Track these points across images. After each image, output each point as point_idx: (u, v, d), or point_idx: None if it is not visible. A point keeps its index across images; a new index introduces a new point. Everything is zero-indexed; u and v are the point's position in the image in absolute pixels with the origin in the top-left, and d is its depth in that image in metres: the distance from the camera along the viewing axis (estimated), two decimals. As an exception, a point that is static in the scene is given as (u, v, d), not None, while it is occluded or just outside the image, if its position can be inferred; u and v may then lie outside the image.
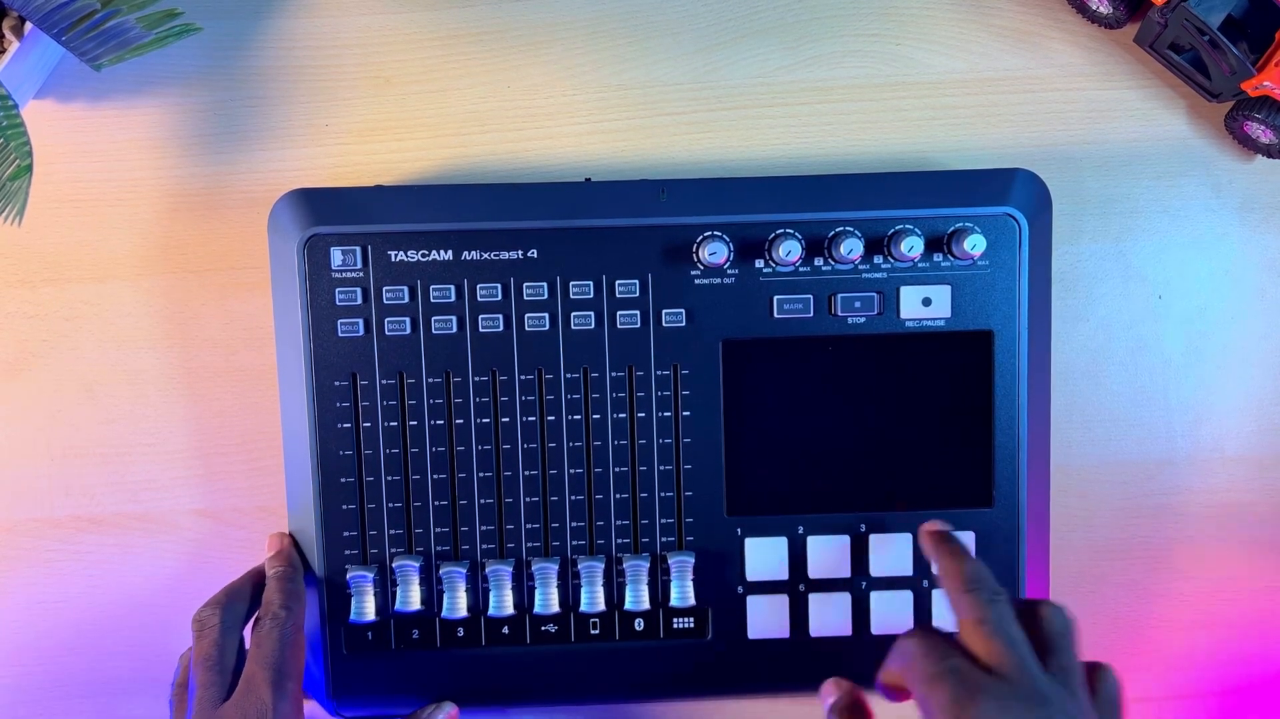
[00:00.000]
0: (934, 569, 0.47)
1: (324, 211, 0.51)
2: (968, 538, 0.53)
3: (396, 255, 0.51)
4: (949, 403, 0.53)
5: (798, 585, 0.53)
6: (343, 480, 0.52)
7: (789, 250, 0.50)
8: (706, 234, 0.51)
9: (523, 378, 0.52)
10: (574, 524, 0.52)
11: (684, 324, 0.52)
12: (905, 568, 0.53)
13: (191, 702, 0.47)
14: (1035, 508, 0.53)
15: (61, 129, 0.55)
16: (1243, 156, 0.57)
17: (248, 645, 0.49)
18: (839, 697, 0.47)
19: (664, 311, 0.52)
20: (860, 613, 0.53)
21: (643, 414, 0.52)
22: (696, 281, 0.52)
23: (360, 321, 0.51)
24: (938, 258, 0.52)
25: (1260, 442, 0.57)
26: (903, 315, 0.52)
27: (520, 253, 0.51)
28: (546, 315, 0.51)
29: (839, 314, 0.52)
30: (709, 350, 0.52)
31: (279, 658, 0.47)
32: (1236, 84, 0.52)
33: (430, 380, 0.51)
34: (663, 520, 0.52)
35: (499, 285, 0.51)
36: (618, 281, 0.51)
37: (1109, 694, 0.43)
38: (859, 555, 0.53)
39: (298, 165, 0.55)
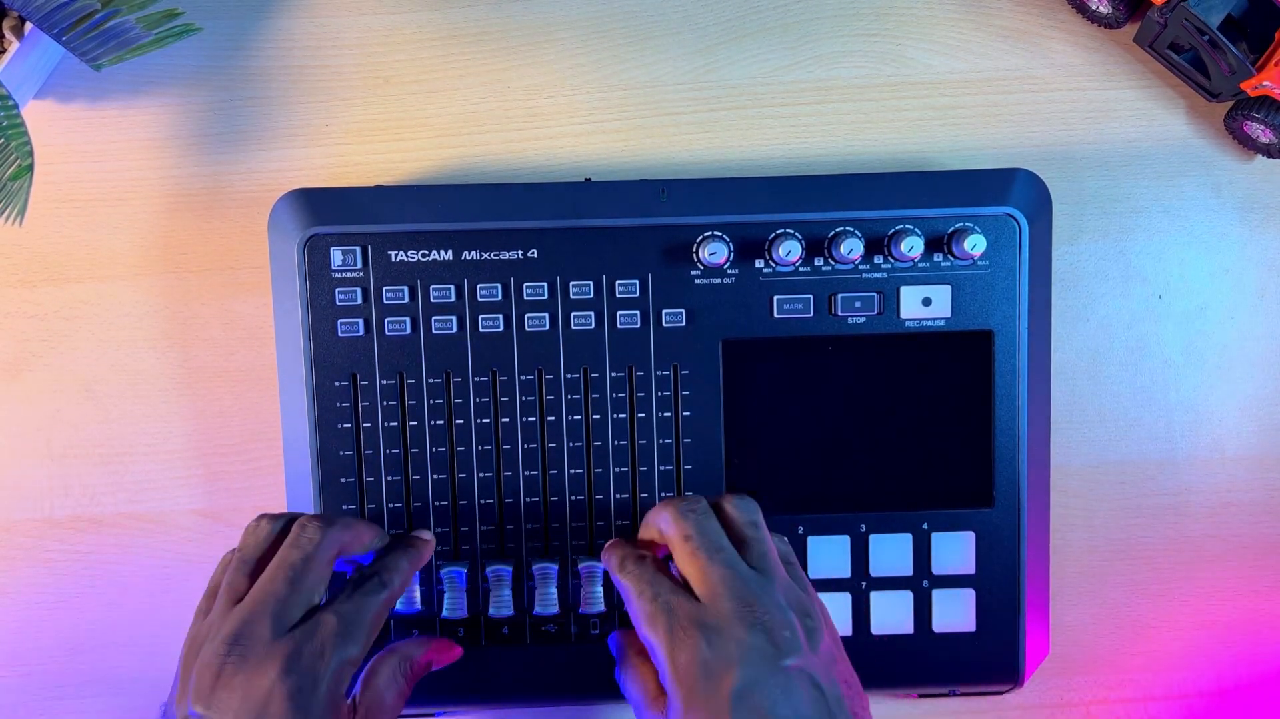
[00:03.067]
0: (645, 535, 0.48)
1: (324, 211, 0.51)
2: (967, 538, 0.53)
3: (396, 255, 0.51)
4: (949, 403, 0.53)
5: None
6: (343, 480, 0.52)
7: (789, 250, 0.50)
8: (706, 234, 0.51)
9: (523, 378, 0.52)
10: (574, 524, 0.52)
11: (684, 324, 0.52)
12: (905, 568, 0.53)
13: (245, 601, 0.43)
14: (1035, 508, 0.53)
15: (61, 129, 0.55)
16: (1243, 156, 0.57)
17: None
18: (621, 646, 0.48)
19: (664, 311, 0.52)
20: (860, 613, 0.53)
21: (643, 414, 0.52)
22: (696, 281, 0.52)
23: (360, 321, 0.51)
24: (938, 258, 0.52)
25: (1260, 442, 0.57)
26: (903, 315, 0.52)
27: (520, 253, 0.51)
28: (546, 315, 0.51)
29: (839, 314, 0.52)
30: (709, 350, 0.52)
31: (361, 620, 0.43)
32: (1236, 84, 0.52)
33: (430, 380, 0.51)
34: (663, 520, 0.52)
35: (499, 285, 0.51)
36: (618, 281, 0.51)
37: (786, 555, 0.46)
38: (859, 555, 0.53)
39: (298, 165, 0.55)
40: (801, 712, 0.40)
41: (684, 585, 0.43)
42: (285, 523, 0.46)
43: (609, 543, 0.48)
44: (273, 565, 0.44)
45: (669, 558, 0.45)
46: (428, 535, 0.50)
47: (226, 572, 0.45)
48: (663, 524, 0.45)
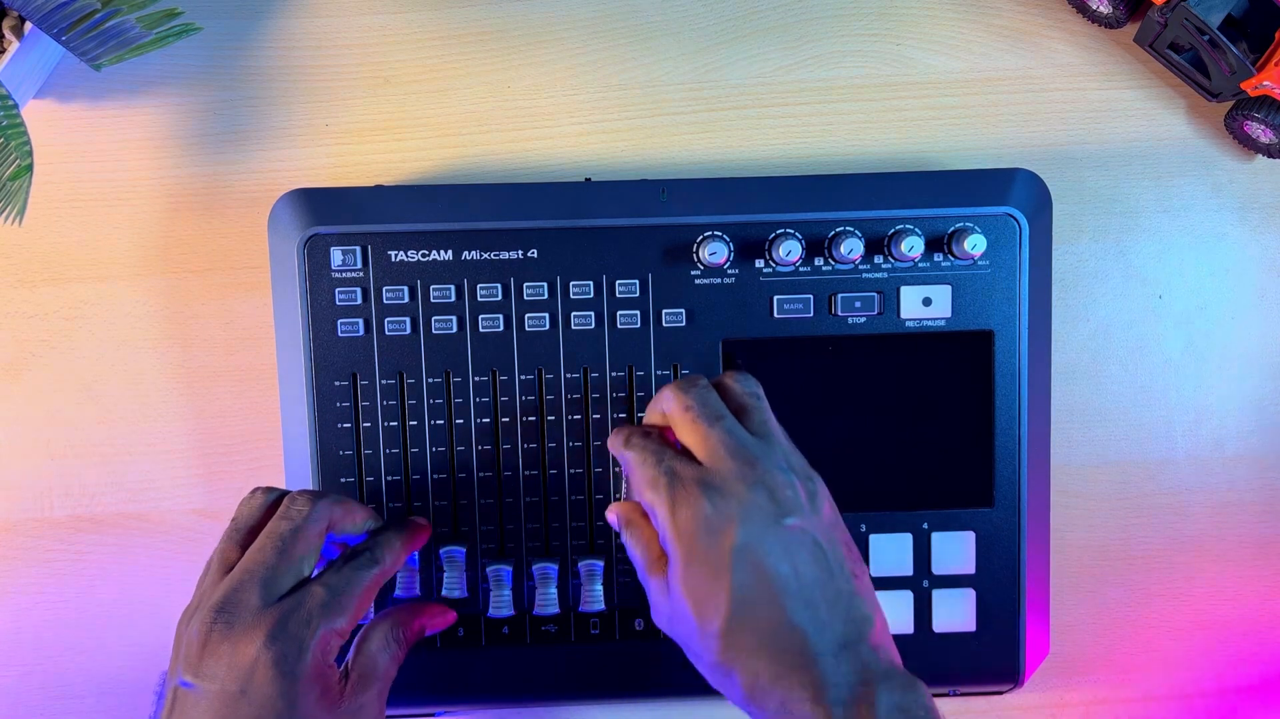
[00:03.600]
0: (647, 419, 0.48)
1: (324, 211, 0.51)
2: (967, 538, 0.53)
3: (396, 255, 0.51)
4: (949, 403, 0.53)
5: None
6: (343, 480, 0.52)
7: (789, 250, 0.50)
8: (706, 234, 0.51)
9: (523, 378, 0.52)
10: (574, 524, 0.52)
11: (684, 324, 0.52)
12: (905, 568, 0.53)
13: (235, 571, 0.43)
14: (1035, 508, 0.53)
15: (61, 129, 0.55)
16: (1243, 156, 0.57)
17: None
18: (621, 514, 0.48)
19: (664, 311, 0.52)
20: (860, 613, 0.53)
21: (643, 414, 0.52)
22: (696, 281, 0.52)
23: (360, 321, 0.51)
24: (938, 258, 0.52)
25: (1260, 442, 0.57)
26: (903, 315, 0.52)
27: (520, 253, 0.51)
28: (546, 315, 0.51)
29: (839, 314, 0.52)
30: (709, 350, 0.52)
31: (350, 593, 0.43)
32: (1236, 84, 0.52)
33: (430, 380, 0.51)
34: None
35: (499, 285, 0.51)
36: (618, 281, 0.51)
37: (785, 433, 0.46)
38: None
39: (298, 165, 0.55)
40: (801, 569, 0.40)
41: (687, 454, 0.44)
42: (278, 496, 0.46)
43: (615, 428, 0.48)
44: (262, 536, 0.44)
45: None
46: (424, 521, 0.50)
47: (219, 542, 0.45)
48: (664, 402, 0.45)
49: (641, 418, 0.50)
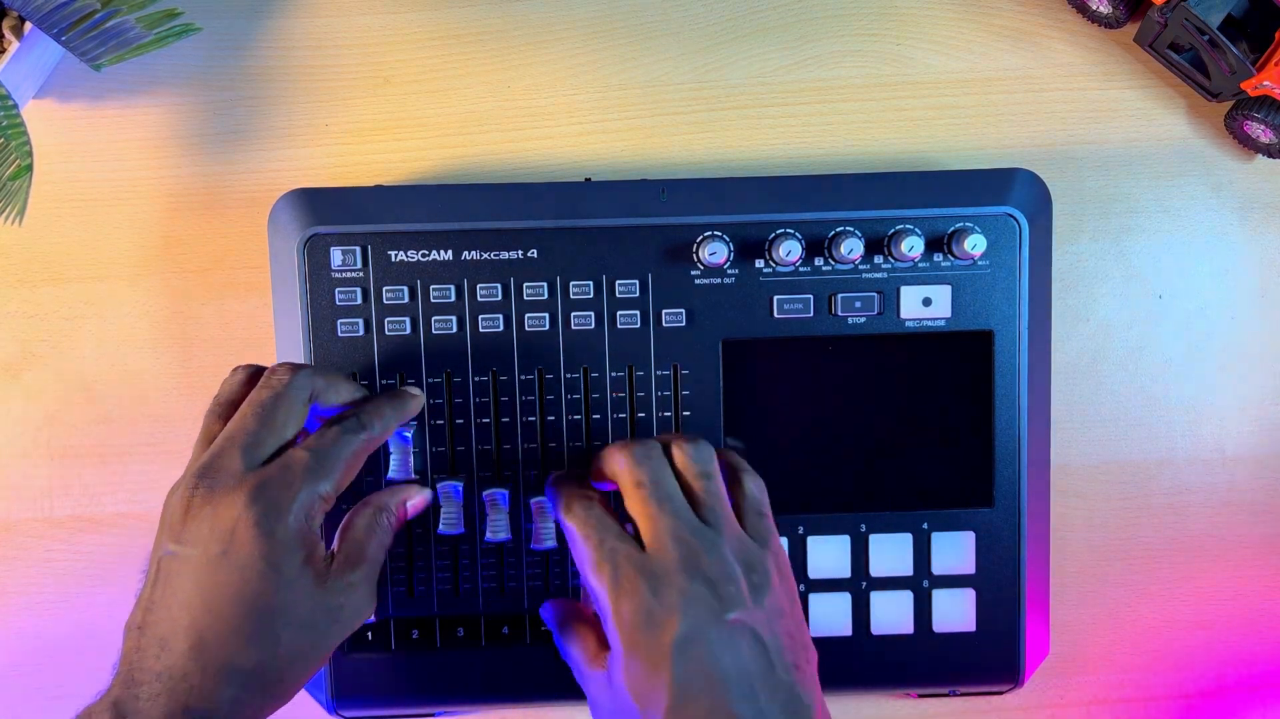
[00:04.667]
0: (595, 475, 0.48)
1: (324, 211, 0.51)
2: (967, 538, 0.53)
3: (396, 255, 0.51)
4: (949, 403, 0.53)
5: (798, 585, 0.53)
6: (343, 480, 0.52)
7: (789, 250, 0.50)
8: (706, 234, 0.51)
9: (523, 378, 0.52)
10: (574, 524, 0.52)
11: (684, 324, 0.52)
12: (905, 568, 0.53)
13: (218, 439, 0.43)
14: (1035, 508, 0.53)
15: (61, 129, 0.55)
16: (1243, 156, 0.57)
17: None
18: (557, 611, 0.48)
19: (664, 311, 0.52)
20: (860, 613, 0.53)
21: (643, 414, 0.52)
22: (696, 281, 0.52)
23: (360, 322, 0.51)
24: (938, 258, 0.52)
25: (1260, 442, 0.57)
26: (903, 315, 0.52)
27: (520, 253, 0.51)
28: (546, 315, 0.51)
29: (839, 314, 0.52)
30: (709, 350, 0.52)
31: (334, 457, 0.43)
32: (1236, 84, 0.52)
33: (430, 380, 0.51)
34: (663, 520, 0.52)
35: (499, 285, 0.51)
36: (618, 281, 0.51)
37: (754, 505, 0.46)
38: (859, 555, 0.53)
39: (298, 165, 0.55)
40: (743, 664, 0.40)
41: (631, 533, 0.43)
42: (259, 369, 0.46)
43: (554, 475, 0.48)
44: (244, 404, 0.44)
45: (614, 495, 0.45)
46: (417, 391, 0.49)
47: (206, 417, 0.45)
48: (617, 467, 0.45)
49: (596, 452, 0.48)
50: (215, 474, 0.42)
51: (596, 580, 0.42)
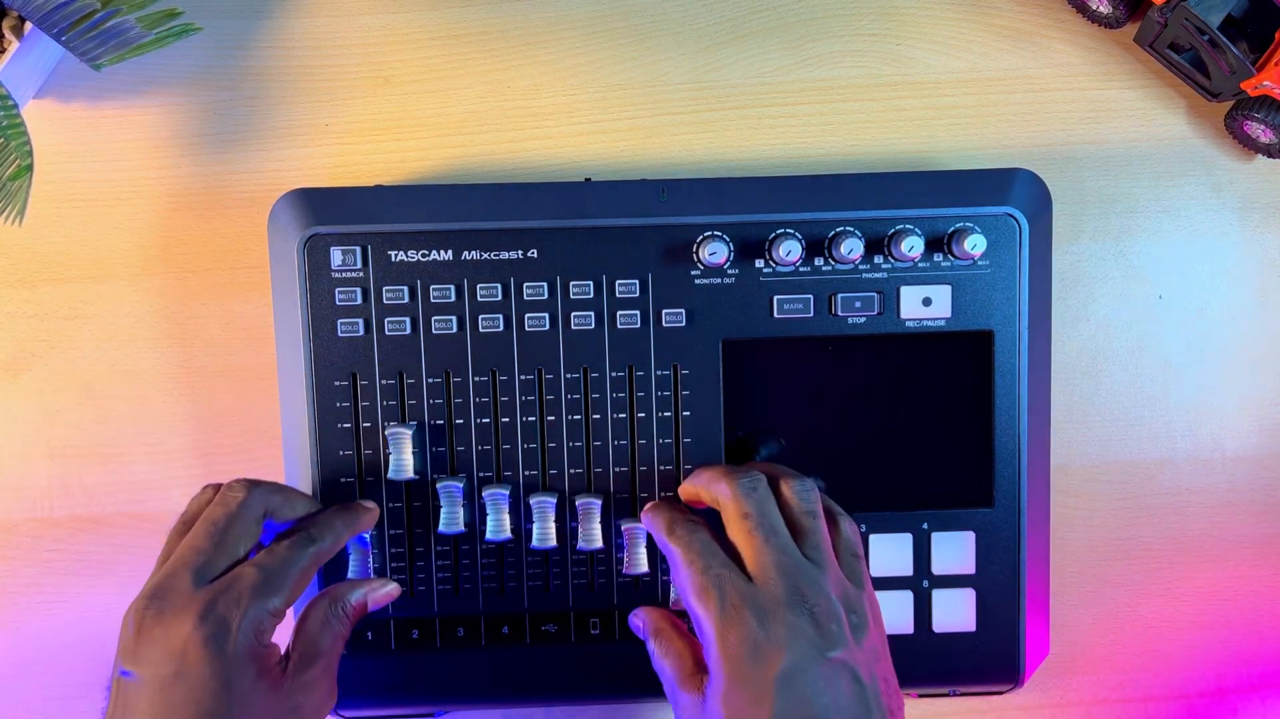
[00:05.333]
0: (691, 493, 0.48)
1: (324, 211, 0.51)
2: (967, 538, 0.53)
3: (396, 255, 0.51)
4: (949, 403, 0.53)
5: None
6: (343, 480, 0.52)
7: (789, 250, 0.50)
8: (706, 234, 0.51)
9: (523, 378, 0.52)
10: (574, 525, 0.52)
11: (684, 324, 0.52)
12: (905, 568, 0.53)
13: (171, 559, 0.43)
14: (1035, 508, 0.53)
15: (61, 129, 0.55)
16: (1243, 156, 0.57)
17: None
18: (649, 620, 0.49)
19: (664, 311, 0.52)
20: (860, 613, 0.53)
21: (643, 414, 0.52)
22: (696, 281, 0.52)
23: (360, 321, 0.51)
24: (938, 258, 0.52)
25: (1260, 441, 0.57)
26: (903, 315, 0.52)
27: (520, 253, 0.51)
28: (546, 315, 0.51)
29: (839, 314, 0.52)
30: (709, 350, 0.52)
31: (283, 573, 0.43)
32: (1236, 84, 0.52)
33: (430, 380, 0.51)
34: (663, 520, 0.52)
35: (499, 285, 0.51)
36: (618, 282, 0.51)
37: (849, 547, 0.46)
38: (859, 555, 0.53)
39: (298, 165, 0.55)
40: (841, 703, 0.41)
41: (734, 558, 0.44)
42: (247, 487, 0.46)
43: (652, 504, 0.48)
44: (197, 523, 0.44)
45: (709, 518, 0.46)
46: (370, 505, 0.50)
47: (168, 537, 0.46)
48: (720, 494, 0.45)
49: (671, 485, 0.50)
50: (165, 595, 0.42)
51: (701, 605, 0.42)
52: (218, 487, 0.47)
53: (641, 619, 0.49)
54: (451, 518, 0.51)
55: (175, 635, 0.41)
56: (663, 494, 0.52)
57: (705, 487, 0.47)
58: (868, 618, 0.44)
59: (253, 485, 0.46)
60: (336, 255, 0.51)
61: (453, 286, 0.51)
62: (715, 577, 0.43)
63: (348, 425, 0.51)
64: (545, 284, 0.51)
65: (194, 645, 0.41)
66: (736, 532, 0.44)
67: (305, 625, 0.46)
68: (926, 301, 0.52)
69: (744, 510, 0.44)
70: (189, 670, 0.41)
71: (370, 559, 0.52)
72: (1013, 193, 0.52)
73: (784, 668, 0.40)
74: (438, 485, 0.51)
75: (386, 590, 0.49)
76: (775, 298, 0.52)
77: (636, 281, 0.51)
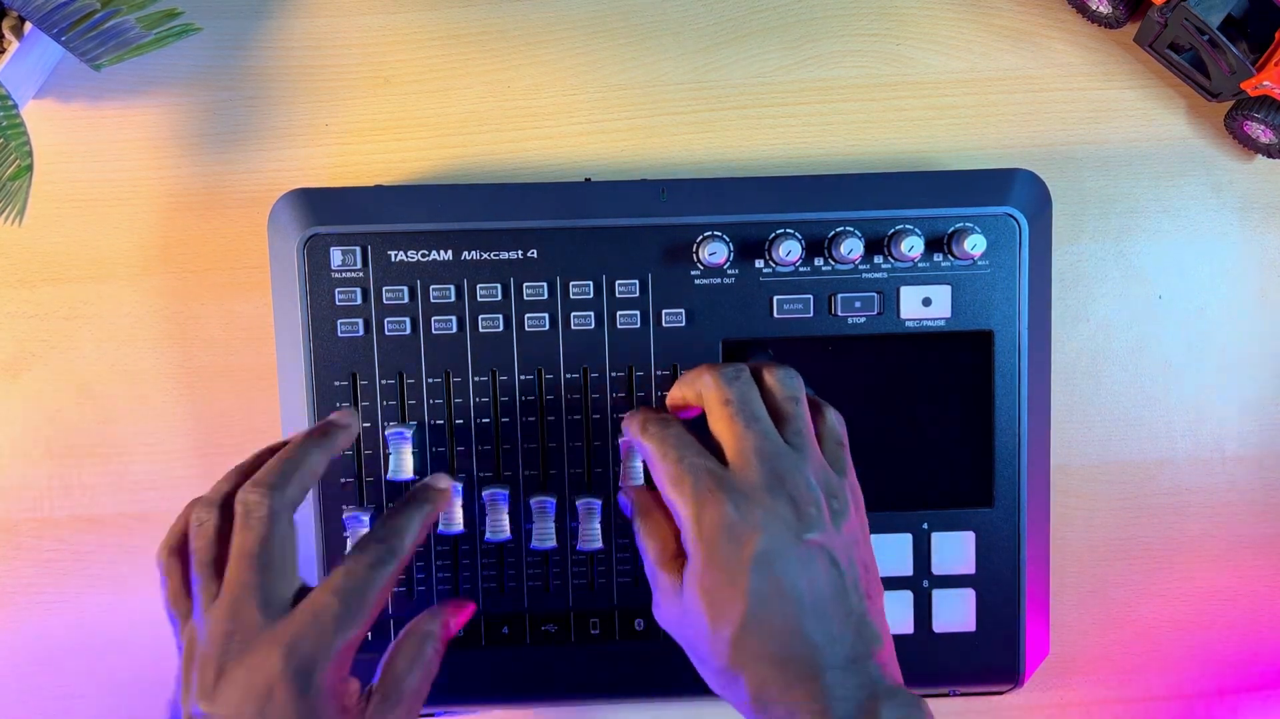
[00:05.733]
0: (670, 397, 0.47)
1: (324, 211, 0.51)
2: (968, 538, 0.53)
3: (396, 255, 0.51)
4: (949, 403, 0.53)
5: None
6: (343, 480, 0.52)
7: (789, 250, 0.50)
8: (706, 234, 0.51)
9: (523, 378, 0.52)
10: (574, 525, 0.52)
11: (684, 324, 0.52)
12: (905, 568, 0.53)
13: (223, 598, 0.41)
14: (1035, 508, 0.53)
15: (61, 129, 0.55)
16: (1243, 156, 0.57)
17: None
18: (634, 499, 0.47)
19: (664, 311, 0.52)
20: (860, 613, 0.53)
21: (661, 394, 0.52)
22: (696, 281, 0.52)
23: (360, 321, 0.51)
24: (938, 258, 0.52)
25: (1260, 441, 0.57)
26: (903, 315, 0.52)
27: (520, 253, 0.51)
28: (546, 315, 0.51)
29: (839, 314, 0.52)
30: (709, 350, 0.52)
31: (365, 599, 0.41)
32: (1236, 84, 0.52)
33: (430, 380, 0.51)
34: (663, 520, 0.52)
35: (499, 285, 0.51)
36: (618, 282, 0.51)
37: (833, 434, 0.46)
38: (859, 555, 0.53)
39: (298, 165, 0.55)
40: (817, 585, 0.41)
41: (710, 449, 0.43)
42: (223, 503, 0.43)
43: (630, 412, 0.47)
44: (234, 558, 0.42)
45: (692, 422, 0.45)
46: (444, 483, 0.47)
47: (195, 579, 0.42)
48: (702, 386, 0.45)
49: (659, 397, 0.50)
50: (241, 634, 0.40)
51: (676, 493, 0.42)
52: (207, 504, 0.44)
53: (630, 497, 0.48)
54: (451, 518, 0.51)
55: (259, 675, 0.39)
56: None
57: (690, 384, 0.46)
58: (849, 504, 0.44)
59: (269, 490, 0.42)
60: (336, 255, 0.51)
61: (453, 287, 0.51)
62: (690, 464, 0.42)
63: (348, 425, 0.51)
64: (545, 284, 0.51)
65: (280, 686, 0.39)
66: (717, 419, 0.44)
67: (392, 666, 0.43)
68: (926, 302, 0.52)
69: (725, 397, 0.44)
70: (273, 711, 0.39)
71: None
72: (1013, 193, 0.52)
73: (759, 549, 0.40)
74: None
75: (466, 612, 0.47)
76: (775, 298, 0.52)
77: (636, 282, 0.51)
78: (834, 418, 0.47)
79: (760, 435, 0.43)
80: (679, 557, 0.43)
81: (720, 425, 0.44)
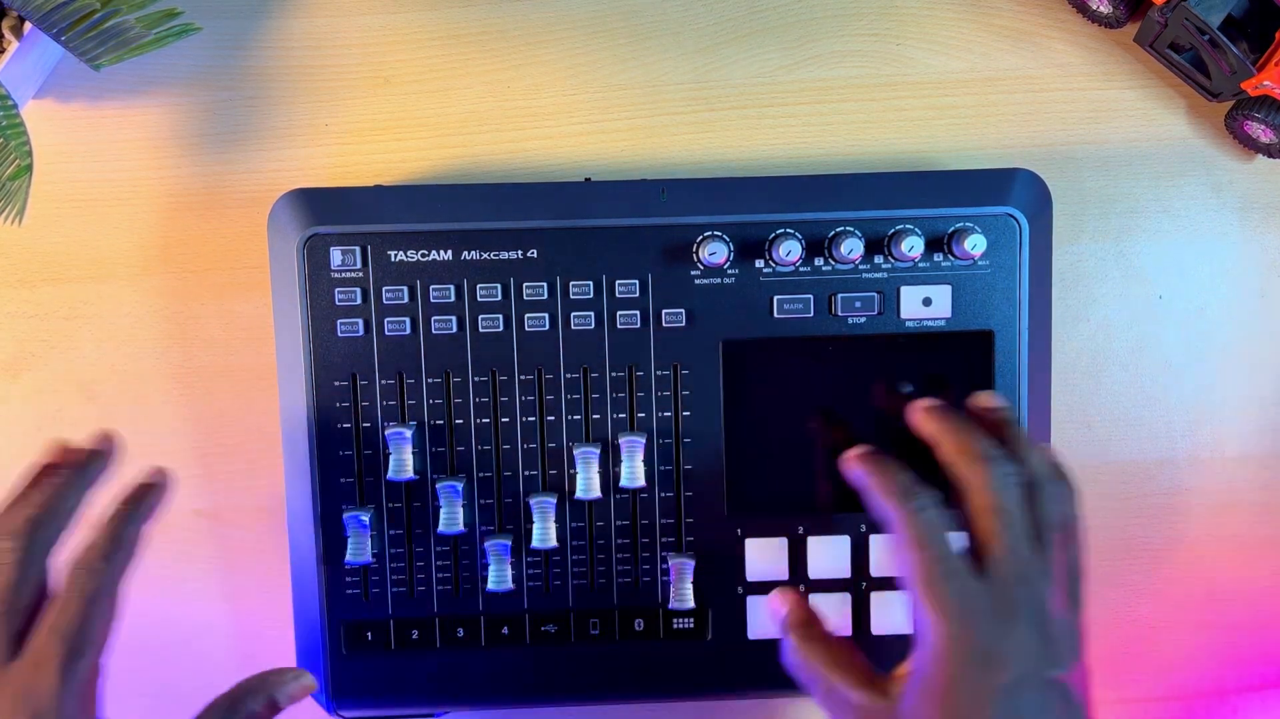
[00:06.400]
0: (929, 437, 0.46)
1: (324, 211, 0.51)
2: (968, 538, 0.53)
3: (396, 255, 0.51)
4: (949, 403, 0.52)
5: (798, 586, 0.53)
6: (343, 480, 0.52)
7: (789, 250, 0.50)
8: (706, 234, 0.51)
9: (523, 378, 0.52)
10: (574, 525, 0.52)
11: (684, 324, 0.52)
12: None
13: None
14: (1035, 508, 0.53)
15: (61, 129, 0.55)
16: (1243, 156, 0.57)
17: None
18: (791, 609, 0.47)
19: (664, 311, 0.51)
20: (860, 613, 0.53)
21: (643, 414, 0.52)
22: (696, 281, 0.52)
23: (360, 322, 0.51)
24: (938, 258, 0.52)
25: (1260, 441, 0.57)
26: (903, 315, 0.52)
27: (520, 253, 0.51)
28: (546, 315, 0.51)
29: (839, 314, 0.52)
30: (709, 350, 0.52)
31: (81, 627, 0.39)
32: (1236, 83, 0.52)
33: (430, 380, 0.51)
34: (663, 521, 0.52)
35: (499, 285, 0.51)
36: (618, 281, 0.51)
37: (1073, 563, 0.44)
38: (859, 555, 0.53)
39: (298, 165, 0.55)
40: None
41: (967, 544, 0.42)
42: (16, 538, 0.40)
43: (868, 453, 0.45)
44: None
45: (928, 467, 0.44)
46: (158, 477, 0.44)
47: None
48: (973, 474, 0.43)
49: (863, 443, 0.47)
50: None
51: (930, 598, 0.41)
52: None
53: (785, 608, 0.47)
54: (451, 518, 0.51)
55: None
56: (668, 553, 0.52)
57: (959, 454, 0.44)
58: (1081, 639, 0.43)
59: (19, 536, 0.40)
60: (336, 255, 0.51)
61: (453, 287, 0.51)
62: (950, 570, 0.41)
63: (348, 425, 0.51)
64: (545, 284, 0.51)
65: None
66: (982, 521, 0.42)
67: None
68: (926, 302, 0.52)
69: (997, 504, 0.42)
70: None
71: (369, 540, 0.51)
72: (1013, 193, 0.52)
73: (1009, 679, 0.40)
74: (437, 486, 0.51)
75: (302, 684, 0.44)
76: (775, 298, 0.52)
77: (636, 281, 0.51)
78: (1082, 554, 0.45)
79: (1024, 562, 0.42)
80: (876, 683, 0.42)
81: (984, 529, 0.42)
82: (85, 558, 0.41)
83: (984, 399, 0.48)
